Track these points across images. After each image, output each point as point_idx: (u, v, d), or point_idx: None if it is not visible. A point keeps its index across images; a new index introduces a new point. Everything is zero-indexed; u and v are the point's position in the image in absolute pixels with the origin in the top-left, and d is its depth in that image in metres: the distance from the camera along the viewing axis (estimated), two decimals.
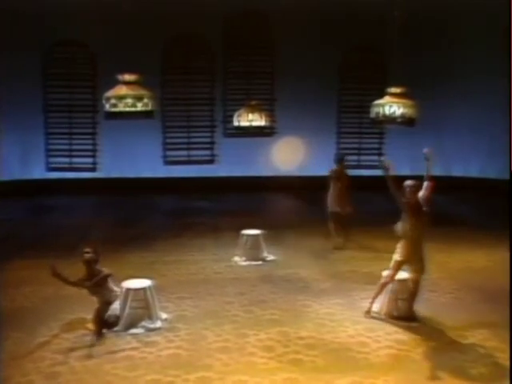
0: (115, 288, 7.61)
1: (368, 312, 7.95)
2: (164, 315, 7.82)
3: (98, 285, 7.44)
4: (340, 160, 11.73)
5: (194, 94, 16.92)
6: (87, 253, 7.50)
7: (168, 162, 16.98)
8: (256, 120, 11.46)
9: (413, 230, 7.57)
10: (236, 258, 10.39)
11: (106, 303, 7.50)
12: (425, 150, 7.68)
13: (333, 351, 6.94)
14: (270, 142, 15.83)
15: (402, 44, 7.57)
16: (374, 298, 7.97)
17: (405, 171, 16.38)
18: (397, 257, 7.71)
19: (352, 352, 6.92)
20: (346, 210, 11.27)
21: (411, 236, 7.60)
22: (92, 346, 7.06)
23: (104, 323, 7.43)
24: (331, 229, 11.34)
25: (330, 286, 9.17)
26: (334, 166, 11.65)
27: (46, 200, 15.60)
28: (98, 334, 7.32)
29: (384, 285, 7.87)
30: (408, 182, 7.69)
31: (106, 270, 7.53)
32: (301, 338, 7.25)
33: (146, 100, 7.08)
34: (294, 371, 6.45)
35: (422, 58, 15.17)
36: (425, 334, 7.42)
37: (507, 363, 6.59)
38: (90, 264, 7.47)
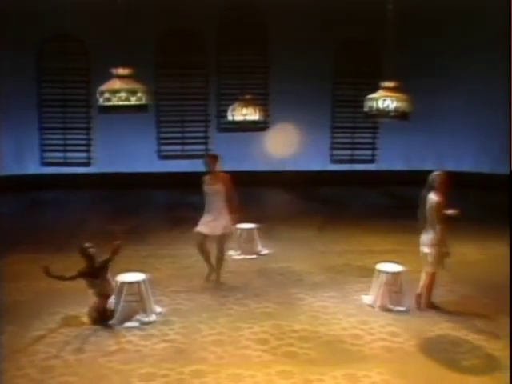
0: (112, 282, 7.67)
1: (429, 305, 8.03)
2: (158, 309, 7.85)
3: (100, 270, 7.52)
4: (214, 159, 9.23)
5: (188, 89, 16.91)
6: (90, 248, 7.57)
7: (162, 157, 16.99)
8: (250, 114, 11.46)
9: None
10: (231, 252, 10.39)
11: (104, 296, 7.55)
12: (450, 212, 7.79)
13: (326, 344, 6.99)
14: (264, 137, 15.83)
15: (397, 39, 7.58)
16: (430, 291, 8.04)
17: (398, 165, 16.61)
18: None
19: (346, 344, 6.97)
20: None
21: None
22: (86, 339, 7.07)
23: (99, 316, 7.47)
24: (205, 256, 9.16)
25: (324, 280, 9.21)
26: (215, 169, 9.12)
27: (41, 195, 15.61)
28: (93, 327, 7.36)
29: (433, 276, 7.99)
30: (437, 173, 7.87)
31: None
32: (295, 331, 7.29)
33: (139, 94, 7.05)
34: (287, 364, 6.49)
35: (416, 53, 15.18)
36: (418, 326, 7.47)
37: (499, 354, 6.68)
38: (93, 258, 7.54)
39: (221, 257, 9.08)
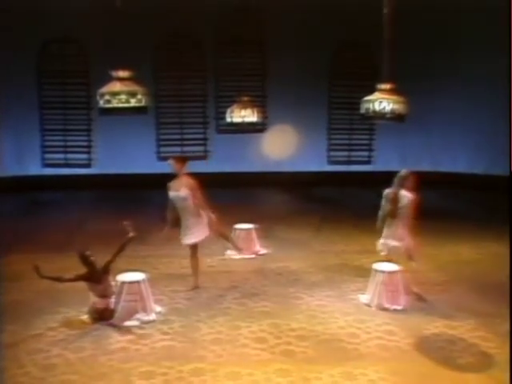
0: (113, 282, 7.75)
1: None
2: (158, 308, 7.94)
3: (102, 275, 7.62)
4: (181, 162, 8.86)
5: (186, 91, 17.00)
6: (90, 256, 7.66)
7: (162, 158, 17.04)
8: (248, 116, 11.49)
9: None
10: (228, 252, 10.48)
11: (105, 296, 7.63)
12: None
13: (324, 342, 7.06)
14: (262, 138, 15.91)
15: (393, 41, 7.65)
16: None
17: (394, 166, 16.64)
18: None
19: (342, 343, 7.04)
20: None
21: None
22: (87, 338, 7.15)
23: (99, 315, 7.55)
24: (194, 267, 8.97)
25: (321, 279, 9.29)
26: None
27: (42, 196, 15.67)
28: (94, 326, 7.45)
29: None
30: (406, 172, 8.28)
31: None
32: (292, 330, 7.36)
33: (139, 96, 7.11)
34: (285, 362, 6.56)
35: (412, 55, 15.23)
36: (414, 324, 7.55)
37: (494, 352, 6.77)
38: (93, 266, 7.64)
39: (226, 235, 9.40)
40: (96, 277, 7.61)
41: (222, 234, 9.54)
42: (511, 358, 5.76)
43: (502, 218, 10.50)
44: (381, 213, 8.41)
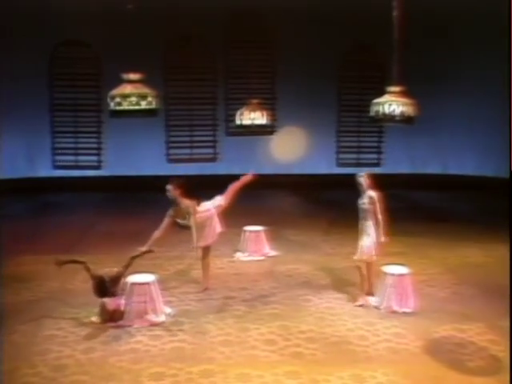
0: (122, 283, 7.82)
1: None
2: (168, 309, 7.98)
3: (113, 286, 7.67)
4: (179, 187, 8.64)
5: (196, 93, 17.05)
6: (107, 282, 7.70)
7: (171, 160, 17.12)
8: (258, 118, 11.48)
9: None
10: (238, 254, 10.53)
11: (115, 298, 7.68)
12: None
13: (333, 344, 7.08)
14: (271, 141, 15.92)
15: (402, 43, 7.67)
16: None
17: (403, 168, 16.68)
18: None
19: (351, 345, 7.06)
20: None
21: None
22: (97, 339, 7.20)
23: (110, 317, 7.60)
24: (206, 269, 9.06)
25: (330, 281, 9.31)
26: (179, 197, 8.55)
27: (52, 197, 15.74)
28: (104, 327, 7.49)
29: None
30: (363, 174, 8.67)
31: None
32: (301, 332, 7.39)
33: (149, 99, 7.18)
34: (294, 364, 6.59)
35: (420, 57, 15.19)
36: (423, 327, 7.55)
37: (503, 356, 6.73)
38: (103, 282, 7.69)
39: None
40: (108, 292, 7.65)
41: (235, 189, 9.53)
42: (511, 357, 5.77)
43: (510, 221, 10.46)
44: (380, 216, 8.44)
